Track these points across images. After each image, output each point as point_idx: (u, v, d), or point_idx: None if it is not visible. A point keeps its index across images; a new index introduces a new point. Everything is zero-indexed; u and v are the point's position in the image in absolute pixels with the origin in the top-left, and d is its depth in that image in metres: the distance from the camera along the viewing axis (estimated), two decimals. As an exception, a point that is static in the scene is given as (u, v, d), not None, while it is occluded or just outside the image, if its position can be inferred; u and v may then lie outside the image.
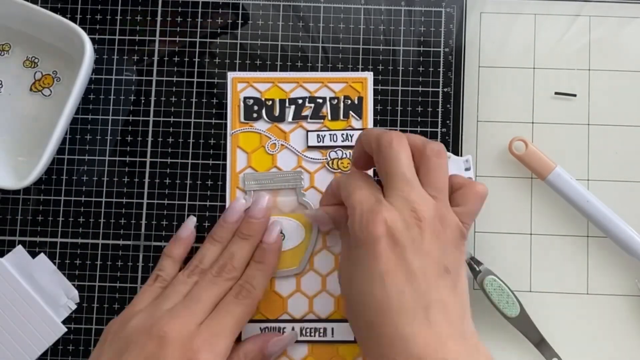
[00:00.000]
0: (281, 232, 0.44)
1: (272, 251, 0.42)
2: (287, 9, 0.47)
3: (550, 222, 0.45)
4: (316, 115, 0.46)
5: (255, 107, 0.46)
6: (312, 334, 0.44)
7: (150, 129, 0.46)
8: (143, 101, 0.47)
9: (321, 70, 0.47)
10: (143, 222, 0.46)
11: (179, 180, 0.46)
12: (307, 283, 0.44)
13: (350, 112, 0.46)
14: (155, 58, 0.47)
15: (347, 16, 0.47)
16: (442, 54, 0.47)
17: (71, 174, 0.46)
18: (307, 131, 0.46)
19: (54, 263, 0.45)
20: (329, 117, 0.46)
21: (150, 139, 0.46)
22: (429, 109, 0.46)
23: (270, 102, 0.46)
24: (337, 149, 0.45)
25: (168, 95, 0.47)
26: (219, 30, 0.47)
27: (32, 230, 0.46)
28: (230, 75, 0.46)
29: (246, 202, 0.44)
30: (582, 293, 0.45)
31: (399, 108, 0.46)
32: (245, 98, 0.46)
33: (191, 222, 0.44)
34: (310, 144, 0.45)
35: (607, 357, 0.44)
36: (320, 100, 0.46)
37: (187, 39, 0.47)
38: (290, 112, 0.46)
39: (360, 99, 0.46)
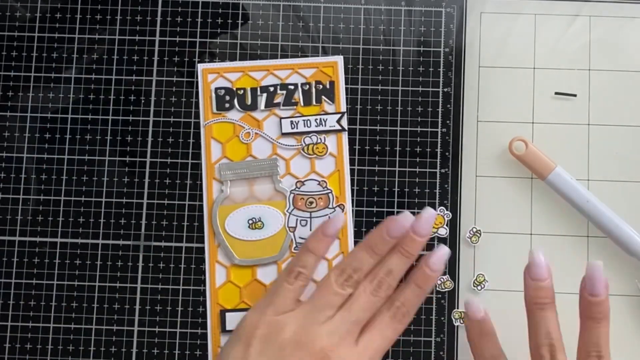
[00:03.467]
0: (260, 221, 0.44)
1: (434, 279, 0.40)
2: (287, 9, 0.47)
3: (550, 222, 0.45)
4: (288, 101, 0.46)
5: (227, 97, 0.46)
6: None
7: (150, 129, 0.46)
8: (143, 101, 0.47)
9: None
10: (143, 222, 0.46)
11: (179, 180, 0.46)
12: None
13: (323, 96, 0.46)
14: (155, 58, 0.47)
15: (347, 16, 0.47)
16: (442, 54, 0.47)
17: (71, 174, 0.46)
18: (281, 118, 0.46)
19: (54, 263, 0.45)
20: (302, 103, 0.46)
21: (150, 139, 0.46)
22: (429, 109, 0.46)
23: (242, 91, 0.46)
24: (311, 134, 0.45)
25: (168, 95, 0.47)
26: (219, 30, 0.47)
27: (32, 230, 0.46)
28: (200, 66, 0.46)
29: (411, 218, 0.40)
30: (582, 293, 0.45)
31: (399, 108, 0.46)
32: (216, 88, 0.46)
33: (339, 222, 0.41)
34: (284, 131, 0.45)
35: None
36: (292, 87, 0.46)
37: (187, 39, 0.47)
38: (262, 100, 0.46)
39: (332, 83, 0.46)
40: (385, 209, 0.45)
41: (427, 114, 0.46)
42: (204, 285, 0.45)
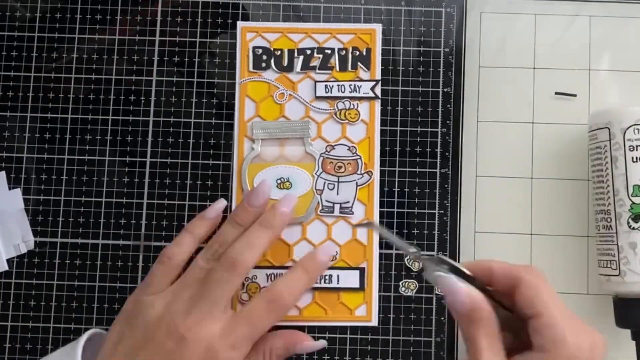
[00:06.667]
0: (288, 181, 0.45)
1: (319, 260, 0.42)
2: (287, 9, 0.47)
3: (550, 222, 0.45)
4: (324, 66, 0.46)
5: (264, 57, 0.46)
6: (318, 281, 0.44)
7: (150, 129, 0.46)
8: (143, 101, 0.47)
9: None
10: (143, 222, 0.46)
11: (179, 180, 0.46)
12: (313, 231, 0.45)
13: (359, 63, 0.46)
14: (155, 58, 0.47)
15: (347, 16, 0.47)
16: (442, 54, 0.47)
17: (71, 174, 0.46)
18: (315, 82, 0.46)
19: (54, 263, 0.45)
20: (337, 68, 0.46)
21: (150, 139, 0.46)
22: (429, 109, 0.46)
23: (279, 52, 0.46)
24: (344, 99, 0.46)
25: (168, 95, 0.47)
26: (219, 30, 0.47)
27: (32, 231, 0.46)
28: (240, 24, 0.46)
29: (270, 186, 0.43)
30: (582, 293, 0.45)
31: (399, 108, 0.46)
32: (254, 47, 0.46)
33: (220, 204, 0.43)
34: (318, 95, 0.46)
35: (607, 356, 0.44)
36: (329, 51, 0.46)
37: (187, 39, 0.47)
38: (298, 62, 0.46)
39: (369, 50, 0.46)
40: (385, 209, 0.45)
41: (427, 114, 0.46)
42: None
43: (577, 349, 0.32)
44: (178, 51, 0.47)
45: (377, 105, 0.46)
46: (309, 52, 0.46)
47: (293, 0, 0.47)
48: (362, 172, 0.45)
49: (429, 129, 0.46)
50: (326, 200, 0.45)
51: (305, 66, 0.46)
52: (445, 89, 0.47)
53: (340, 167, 0.45)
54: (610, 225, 0.41)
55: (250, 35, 0.46)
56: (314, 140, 0.45)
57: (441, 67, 0.47)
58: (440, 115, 0.46)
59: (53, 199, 0.46)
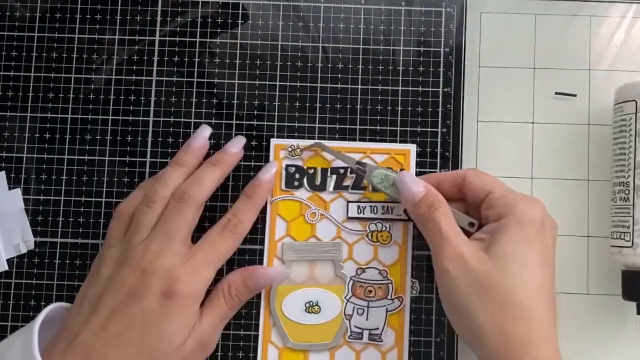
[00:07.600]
0: (317, 305, 0.44)
1: (264, 188, 0.43)
2: (287, 9, 0.47)
3: (550, 222, 0.45)
4: (357, 185, 0.45)
5: (297, 175, 0.45)
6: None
7: (150, 129, 0.46)
8: (143, 101, 0.47)
9: (321, 71, 0.47)
10: (143, 222, 0.46)
11: (179, 180, 0.46)
12: (340, 358, 0.43)
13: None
14: (155, 58, 0.47)
15: (347, 16, 0.47)
16: (442, 54, 0.47)
17: (71, 174, 0.46)
18: (348, 202, 0.45)
19: (54, 263, 0.45)
20: (370, 189, 0.45)
21: (150, 139, 0.46)
22: (429, 109, 0.46)
23: (312, 170, 0.45)
24: (377, 221, 0.44)
25: (168, 95, 0.47)
26: (219, 30, 0.47)
27: (32, 231, 0.46)
28: (273, 142, 0.46)
29: (211, 131, 0.45)
30: (582, 293, 0.45)
31: (399, 108, 0.46)
32: (287, 166, 0.45)
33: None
34: (350, 215, 0.45)
35: (606, 356, 0.44)
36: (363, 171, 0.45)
37: (187, 39, 0.47)
38: (331, 181, 0.45)
39: (402, 171, 0.45)
40: (385, 209, 0.45)
41: (427, 114, 0.46)
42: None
43: (530, 211, 0.38)
44: (178, 51, 0.47)
45: (410, 228, 0.44)
46: (342, 171, 0.45)
47: (293, 0, 0.48)
48: (393, 297, 0.44)
49: (429, 129, 0.46)
50: (355, 326, 0.43)
51: (338, 185, 0.45)
52: (445, 89, 0.47)
53: (370, 292, 0.44)
54: (628, 197, 0.41)
55: (284, 153, 0.45)
56: (344, 262, 0.44)
57: (441, 67, 0.47)
58: (440, 115, 0.46)
59: (53, 199, 0.46)
